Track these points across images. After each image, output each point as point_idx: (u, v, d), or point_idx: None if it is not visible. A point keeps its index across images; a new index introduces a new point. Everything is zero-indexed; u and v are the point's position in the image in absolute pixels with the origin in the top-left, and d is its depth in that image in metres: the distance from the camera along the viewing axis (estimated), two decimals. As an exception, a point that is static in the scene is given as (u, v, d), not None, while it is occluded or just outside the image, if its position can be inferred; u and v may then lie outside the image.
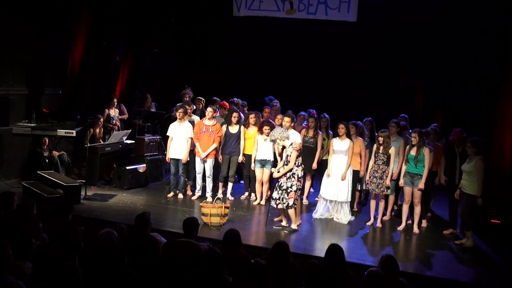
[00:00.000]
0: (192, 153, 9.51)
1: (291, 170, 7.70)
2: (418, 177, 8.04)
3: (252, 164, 9.15)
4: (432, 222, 8.91)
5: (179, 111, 9.33)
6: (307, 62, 13.56)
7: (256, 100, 11.56)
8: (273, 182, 9.15)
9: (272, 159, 9.06)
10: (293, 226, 7.88)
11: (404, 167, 8.21)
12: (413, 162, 8.04)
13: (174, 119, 9.69)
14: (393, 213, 9.04)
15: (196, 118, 9.94)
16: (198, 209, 8.43)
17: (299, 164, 7.79)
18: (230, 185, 9.52)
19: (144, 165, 10.23)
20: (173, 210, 8.75)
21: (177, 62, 14.38)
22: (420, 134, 8.04)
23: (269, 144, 8.84)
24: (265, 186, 9.12)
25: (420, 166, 8.01)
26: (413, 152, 8.08)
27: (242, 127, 9.37)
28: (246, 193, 9.71)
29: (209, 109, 9.27)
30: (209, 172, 9.29)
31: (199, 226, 5.72)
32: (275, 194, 7.84)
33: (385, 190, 8.35)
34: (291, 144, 7.74)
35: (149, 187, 10.14)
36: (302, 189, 7.93)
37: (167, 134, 9.49)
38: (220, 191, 9.48)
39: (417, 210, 8.17)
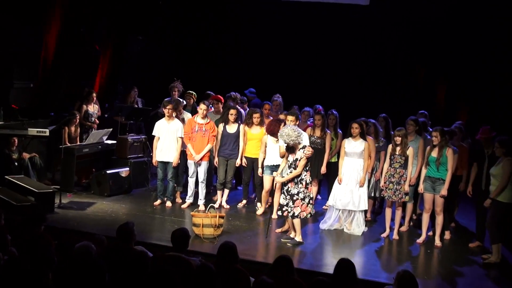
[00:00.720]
0: (182, 155, 9.53)
1: (298, 176, 7.70)
2: (440, 182, 8.05)
3: (259, 170, 9.07)
4: (456, 233, 8.93)
5: (168, 107, 9.32)
6: (312, 51, 13.62)
7: (256, 95, 11.59)
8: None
9: None
10: (298, 239, 7.89)
11: (424, 171, 8.21)
12: (434, 165, 8.05)
13: (161, 116, 9.72)
14: (411, 223, 9.03)
15: (187, 115, 9.96)
16: (189, 219, 8.42)
17: (307, 168, 7.81)
18: (226, 191, 9.53)
19: (127, 168, 10.24)
20: (160, 220, 8.76)
21: (165, 51, 14.40)
22: (442, 132, 8.05)
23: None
24: (277, 195, 8.73)
25: (443, 169, 8.02)
26: (434, 153, 8.08)
27: (241, 125, 9.37)
28: (244, 201, 9.72)
29: (202, 105, 9.25)
30: (202, 176, 9.31)
31: (190, 238, 5.73)
32: (281, 200, 7.86)
33: (403, 197, 8.35)
34: (303, 147, 7.74)
35: (133, 194, 10.15)
36: (310, 198, 7.88)
37: (153, 133, 9.50)
38: (219, 199, 9.50)
39: (439, 219, 8.17)
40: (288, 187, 7.78)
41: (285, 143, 7.77)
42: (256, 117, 9.29)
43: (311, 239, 8.23)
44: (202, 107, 9.25)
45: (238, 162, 9.36)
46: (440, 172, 8.04)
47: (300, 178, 7.72)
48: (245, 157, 9.40)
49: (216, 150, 9.43)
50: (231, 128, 9.37)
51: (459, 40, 12.08)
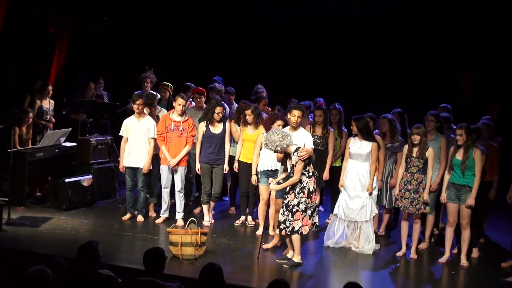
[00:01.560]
0: (155, 159, 9.53)
1: (297, 184, 7.70)
2: (466, 189, 8.07)
3: (253, 177, 9.00)
4: (486, 251, 8.95)
5: (138, 102, 9.31)
6: (312, 34, 13.68)
7: (244, 88, 11.60)
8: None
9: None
10: (296, 259, 7.89)
11: (447, 176, 8.25)
12: (459, 169, 8.07)
13: (131, 113, 9.73)
14: (432, 240, 9.07)
15: (162, 111, 10.01)
16: (165, 237, 8.43)
17: (311, 174, 7.79)
18: (211, 204, 9.55)
19: (90, 176, 10.24)
20: (131, 238, 8.78)
21: (136, 35, 14.39)
22: (468, 130, 8.07)
23: None
24: (273, 207, 8.74)
25: (469, 174, 8.04)
26: (459, 155, 8.11)
27: (228, 124, 9.37)
28: (243, 217, 9.68)
29: (180, 99, 9.24)
30: (180, 185, 9.32)
31: (166, 259, 5.72)
32: (280, 216, 7.87)
33: (422, 207, 8.35)
34: (297, 150, 7.71)
35: (97, 207, 10.18)
36: (314, 209, 7.90)
37: (120, 133, 9.52)
38: (206, 216, 9.47)
39: (466, 234, 8.17)
40: (288, 200, 7.77)
41: (275, 152, 7.80)
42: (248, 114, 9.25)
43: (312, 259, 8.24)
44: (179, 102, 9.20)
45: (226, 167, 9.35)
46: (466, 177, 8.05)
47: (301, 186, 7.70)
48: (240, 161, 9.42)
49: (198, 154, 9.41)
50: (216, 128, 9.34)
51: (490, 18, 12.13)
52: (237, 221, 9.65)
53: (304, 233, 7.80)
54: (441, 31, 12.89)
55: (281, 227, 7.80)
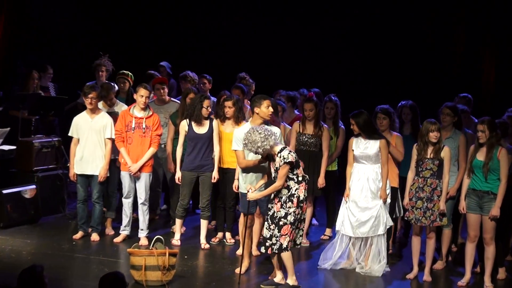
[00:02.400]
0: (113, 165, 9.53)
1: (283, 191, 7.68)
2: (489, 196, 8.07)
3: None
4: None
5: (90, 96, 9.27)
6: (302, 13, 13.65)
7: (224, 78, 11.60)
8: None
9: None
10: (291, 281, 7.85)
11: (466, 181, 8.27)
12: (481, 172, 8.08)
13: (83, 108, 9.67)
14: (450, 258, 9.08)
15: (122, 106, 9.95)
16: (126, 259, 8.40)
17: (300, 179, 7.75)
18: (203, 223, 9.41)
19: (33, 186, 10.20)
20: (84, 261, 8.75)
21: (88, 13, 14.29)
22: (492, 125, 8.07)
23: None
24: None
25: (493, 178, 8.04)
26: (480, 156, 8.12)
27: (215, 122, 9.35)
28: (220, 234, 9.73)
29: (142, 90, 9.19)
30: (143, 196, 9.31)
31: (127, 286, 5.57)
32: (265, 231, 7.83)
33: (437, 219, 8.33)
34: (282, 150, 7.68)
35: (42, 224, 10.15)
36: (302, 220, 7.88)
37: (70, 134, 9.50)
38: (177, 232, 9.45)
39: (490, 251, 8.15)
40: (273, 211, 7.75)
41: (255, 154, 7.78)
42: (228, 105, 9.22)
43: (308, 283, 8.19)
44: (142, 93, 9.16)
45: (215, 175, 9.30)
46: (489, 182, 8.05)
47: (289, 193, 7.67)
48: (221, 169, 9.43)
49: (179, 160, 9.37)
50: (202, 127, 9.29)
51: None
52: (213, 239, 9.64)
53: (296, 245, 7.87)
54: (457, 10, 12.98)
55: (267, 244, 7.74)
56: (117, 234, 9.54)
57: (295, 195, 7.67)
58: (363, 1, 13.41)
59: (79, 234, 9.47)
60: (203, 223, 9.41)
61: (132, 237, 9.39)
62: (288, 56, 13.67)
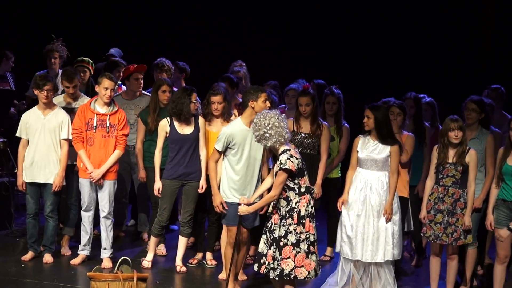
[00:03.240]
0: (70, 171, 9.49)
1: (281, 203, 7.65)
2: (524, 209, 7.75)
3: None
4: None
5: (46, 88, 9.18)
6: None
7: (204, 69, 11.63)
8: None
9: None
10: None
11: (495, 191, 8.21)
12: (512, 179, 7.81)
13: (35, 103, 9.57)
14: (475, 283, 9.10)
15: (85, 99, 9.86)
16: (85, 285, 8.38)
17: (303, 190, 7.68)
18: (182, 241, 9.41)
19: (-27, 198, 9.94)
20: (34, 286, 8.66)
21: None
22: (528, 123, 7.83)
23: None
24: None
25: (528, 187, 7.77)
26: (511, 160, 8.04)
27: (201, 121, 9.31)
28: (199, 255, 9.83)
29: (106, 81, 9.13)
30: (107, 208, 9.31)
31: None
32: (261, 246, 7.74)
33: (461, 237, 8.26)
34: (284, 152, 7.61)
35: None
36: (312, 242, 7.75)
37: (17, 134, 9.44)
38: (151, 252, 9.43)
39: (524, 276, 8.05)
40: (271, 224, 7.65)
41: (257, 141, 7.85)
42: (217, 101, 9.17)
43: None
44: (105, 85, 9.09)
45: (202, 184, 9.19)
46: (523, 192, 7.74)
47: (289, 207, 7.59)
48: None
49: (158, 167, 9.34)
50: (187, 127, 9.22)
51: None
52: (190, 260, 9.59)
53: (300, 277, 7.63)
54: None
55: (261, 261, 7.65)
56: (75, 255, 9.51)
57: (295, 210, 7.55)
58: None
59: (29, 254, 9.43)
60: (182, 241, 9.29)
61: (93, 258, 9.42)
62: (284, 41, 13.82)
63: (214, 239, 9.52)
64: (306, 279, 7.70)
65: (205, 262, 9.58)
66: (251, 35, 13.93)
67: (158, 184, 9.20)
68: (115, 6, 14.38)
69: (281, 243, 7.55)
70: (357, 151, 8.53)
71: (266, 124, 7.51)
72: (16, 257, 9.55)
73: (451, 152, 8.21)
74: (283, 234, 7.57)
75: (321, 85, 10.40)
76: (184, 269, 9.31)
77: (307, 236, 7.63)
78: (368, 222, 8.47)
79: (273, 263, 7.61)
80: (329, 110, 9.50)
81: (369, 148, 8.49)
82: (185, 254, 9.53)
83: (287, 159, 7.50)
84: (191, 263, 9.60)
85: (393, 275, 8.55)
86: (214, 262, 9.52)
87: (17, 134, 9.43)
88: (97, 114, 9.10)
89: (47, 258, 9.40)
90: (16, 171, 9.77)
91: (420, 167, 9.00)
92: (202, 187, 9.16)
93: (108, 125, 9.09)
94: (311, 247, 7.63)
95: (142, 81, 10.09)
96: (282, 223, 7.59)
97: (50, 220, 9.39)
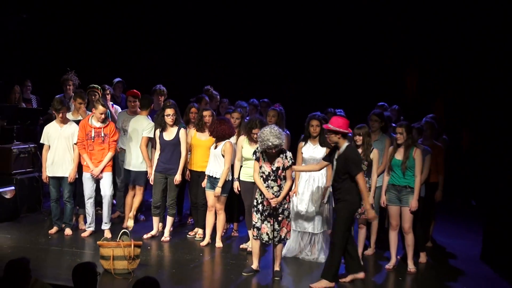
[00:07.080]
0: (80, 169, 9.71)
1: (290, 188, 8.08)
2: (407, 190, 8.37)
3: (235, 184, 9.11)
4: (434, 255, 9.25)
5: (61, 111, 9.51)
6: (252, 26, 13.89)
7: (189, 89, 11.89)
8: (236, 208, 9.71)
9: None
10: (276, 267, 8.09)
11: (386, 178, 8.59)
12: (399, 169, 8.40)
13: (53, 118, 9.97)
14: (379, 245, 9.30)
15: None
16: (96, 251, 8.58)
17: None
18: (169, 220, 9.62)
19: (13, 187, 10.37)
20: (58, 252, 8.89)
21: (61, 32, 14.38)
22: (409, 129, 8.40)
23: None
24: (220, 218, 9.22)
25: (410, 175, 8.36)
26: (398, 155, 8.45)
27: (182, 131, 9.49)
28: (197, 230, 9.77)
29: (100, 108, 9.37)
30: (107, 191, 9.55)
31: (97, 275, 5.73)
32: (255, 217, 8.04)
33: (364, 212, 8.22)
34: (285, 153, 7.95)
35: (21, 221, 10.29)
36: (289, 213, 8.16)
37: (41, 141, 9.79)
38: (155, 228, 9.68)
39: (409, 239, 8.47)
40: (277, 209, 7.96)
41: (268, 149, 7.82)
42: (208, 115, 9.47)
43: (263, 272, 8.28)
44: (100, 110, 9.34)
45: (177, 178, 9.46)
46: (406, 178, 8.37)
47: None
48: (190, 170, 9.65)
49: (152, 162, 9.66)
50: (170, 134, 9.50)
51: (436, 15, 12.53)
52: (189, 233, 9.88)
53: (289, 238, 8.23)
54: (386, 27, 13.13)
55: (274, 237, 7.96)
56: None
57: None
58: (301, 20, 13.57)
59: (54, 229, 9.68)
60: (169, 220, 9.61)
61: (97, 232, 9.53)
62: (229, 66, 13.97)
63: (203, 219, 9.54)
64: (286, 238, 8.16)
65: (196, 235, 9.71)
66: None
67: (150, 176, 9.71)
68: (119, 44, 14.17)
69: (279, 217, 7.96)
70: (302, 153, 8.85)
71: (267, 134, 7.74)
72: (44, 231, 9.76)
73: (359, 151, 8.42)
74: (281, 211, 7.96)
75: (266, 103, 10.70)
76: (167, 239, 9.52)
77: (289, 206, 8.15)
78: (309, 202, 8.78)
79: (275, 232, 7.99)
80: (269, 120, 9.35)
81: (310, 150, 8.82)
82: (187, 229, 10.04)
83: (291, 156, 8.01)
84: (190, 235, 9.80)
85: (326, 242, 8.87)
86: (202, 235, 9.61)
87: (40, 141, 9.81)
88: (94, 128, 9.47)
89: (67, 231, 9.72)
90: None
91: None
92: (176, 180, 9.43)
93: (102, 135, 9.46)
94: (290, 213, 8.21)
95: (133, 103, 10.19)
96: (282, 204, 7.98)
97: (68, 204, 9.73)
